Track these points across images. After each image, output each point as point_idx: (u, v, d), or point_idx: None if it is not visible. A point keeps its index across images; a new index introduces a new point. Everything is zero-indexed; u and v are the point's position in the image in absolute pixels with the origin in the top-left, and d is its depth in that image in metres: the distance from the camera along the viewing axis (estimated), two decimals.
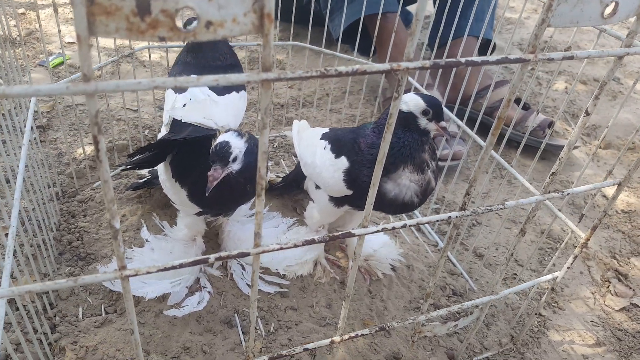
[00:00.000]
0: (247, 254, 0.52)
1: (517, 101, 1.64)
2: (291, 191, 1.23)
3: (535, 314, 0.93)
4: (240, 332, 0.92)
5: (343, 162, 0.89)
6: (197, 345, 0.87)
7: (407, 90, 1.54)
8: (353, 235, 0.56)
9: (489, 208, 0.63)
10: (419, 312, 1.02)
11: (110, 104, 1.52)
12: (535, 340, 0.99)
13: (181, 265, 0.50)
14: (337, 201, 0.97)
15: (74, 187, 1.18)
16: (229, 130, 0.79)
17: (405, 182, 0.84)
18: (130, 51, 1.15)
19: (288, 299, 1.00)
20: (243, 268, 1.03)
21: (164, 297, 0.94)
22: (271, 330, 0.93)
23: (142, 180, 1.13)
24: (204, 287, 0.97)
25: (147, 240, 1.03)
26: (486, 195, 1.42)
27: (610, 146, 1.82)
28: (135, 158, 0.86)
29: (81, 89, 0.34)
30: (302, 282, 1.03)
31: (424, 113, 0.84)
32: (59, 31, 1.02)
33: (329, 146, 0.95)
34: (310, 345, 0.67)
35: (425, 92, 1.33)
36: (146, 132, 1.39)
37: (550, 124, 1.62)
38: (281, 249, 0.54)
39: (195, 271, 0.99)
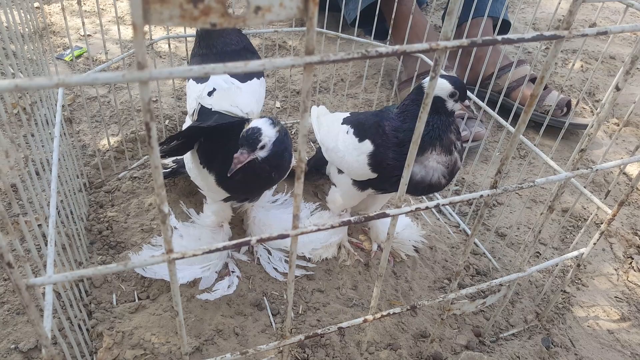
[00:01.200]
0: (287, 236, 0.53)
1: (534, 80, 1.63)
2: (312, 177, 1.24)
3: (561, 291, 0.94)
4: (270, 314, 0.94)
5: (367, 146, 0.90)
6: (230, 328, 0.90)
7: (425, 72, 1.53)
8: (388, 215, 0.57)
9: (519, 185, 0.64)
10: (443, 291, 1.03)
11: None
12: (560, 316, 1.00)
13: (225, 248, 0.51)
14: (361, 185, 0.98)
15: (100, 178, 1.20)
16: (265, 117, 0.81)
17: (433, 164, 0.84)
18: (150, 42, 1.16)
19: (314, 281, 1.01)
20: (269, 253, 1.05)
21: (194, 282, 0.96)
22: (300, 312, 0.95)
23: (167, 170, 1.15)
24: (233, 272, 0.99)
25: (175, 228, 1.05)
26: (506, 176, 1.42)
27: (628, 124, 1.80)
28: (164, 147, 0.88)
29: (136, 77, 0.35)
30: (327, 265, 1.05)
31: (451, 95, 0.84)
32: (83, 23, 1.03)
33: (351, 130, 0.96)
34: (344, 324, 0.69)
35: (445, 73, 1.33)
36: (167, 122, 1.41)
37: (569, 103, 1.60)
38: (318, 230, 0.55)
39: (223, 256, 1.01)
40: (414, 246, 1.11)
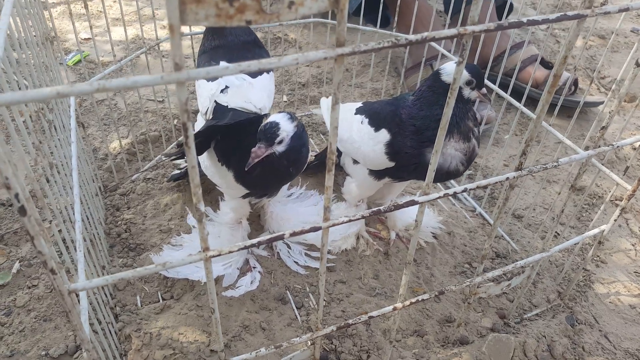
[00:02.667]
0: (319, 228, 0.54)
1: (543, 63, 1.62)
2: (324, 168, 1.24)
3: (582, 269, 0.94)
4: (295, 308, 0.94)
5: (384, 135, 0.90)
6: (256, 323, 0.90)
7: (432, 58, 1.53)
8: (416, 202, 0.57)
9: (544, 166, 0.64)
10: (464, 276, 1.04)
11: (135, 96, 1.54)
12: (582, 294, 1.00)
13: (260, 243, 0.51)
14: (378, 174, 0.98)
15: (113, 181, 1.20)
16: (283, 111, 0.81)
17: (451, 152, 0.84)
18: (157, 42, 1.16)
19: (335, 273, 1.02)
20: (289, 247, 1.05)
21: (217, 280, 0.96)
22: (324, 304, 0.95)
23: (181, 171, 1.15)
24: (254, 267, 1.00)
25: (194, 227, 1.05)
26: (513, 155, 1.42)
27: (634, 99, 1.79)
28: (183, 147, 0.88)
29: (175, 78, 0.35)
30: (347, 256, 1.05)
31: (468, 83, 0.84)
32: (91, 27, 1.03)
33: (366, 120, 0.96)
34: (374, 313, 0.69)
35: (451, 56, 1.32)
36: (175, 121, 1.41)
37: (576, 82, 1.60)
38: (350, 220, 0.55)
39: (244, 253, 1.01)
40: (432, 233, 1.11)
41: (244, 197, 0.94)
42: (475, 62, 1.40)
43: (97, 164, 1.26)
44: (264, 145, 0.79)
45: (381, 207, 0.56)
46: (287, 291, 0.97)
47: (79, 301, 0.62)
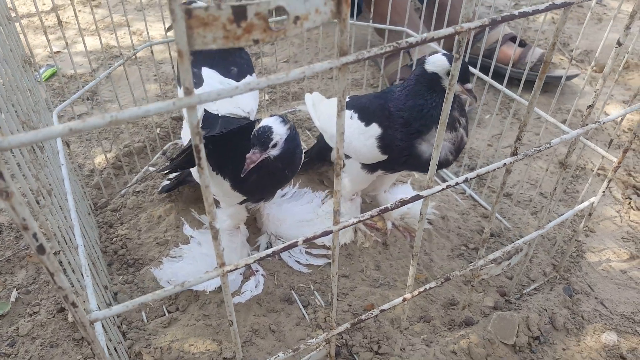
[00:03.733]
0: (330, 232, 0.54)
1: (514, 40, 1.65)
2: (314, 165, 1.25)
3: (575, 241, 0.97)
4: (301, 307, 0.95)
5: (375, 129, 0.91)
6: (265, 326, 0.91)
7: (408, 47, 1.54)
8: (422, 197, 0.58)
9: (537, 149, 0.66)
10: (462, 258, 1.06)
11: (113, 107, 1.51)
12: (575, 264, 1.04)
13: (274, 253, 0.52)
14: (370, 167, 0.99)
15: (103, 198, 1.18)
16: (274, 115, 0.80)
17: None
18: (134, 52, 1.14)
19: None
20: None
21: (220, 288, 0.96)
22: (330, 300, 0.97)
23: (172, 181, 1.14)
24: (257, 271, 1.00)
25: (191, 236, 1.05)
26: (500, 137, 1.45)
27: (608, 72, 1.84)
28: (176, 160, 0.87)
29: (187, 102, 0.35)
30: (347, 250, 1.06)
31: (449, 74, 0.85)
32: (66, 42, 1.00)
33: (355, 115, 0.96)
34: (385, 307, 0.71)
35: (444, 51, 1.33)
36: (158, 130, 1.39)
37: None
38: (359, 222, 0.56)
39: (244, 257, 1.01)
40: (427, 219, 1.13)
41: (241, 203, 0.94)
42: (441, 43, 1.42)
43: (84, 181, 1.24)
44: (258, 150, 0.79)
45: (388, 205, 0.57)
46: (292, 291, 0.98)
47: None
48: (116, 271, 1.01)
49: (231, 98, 0.92)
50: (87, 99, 1.57)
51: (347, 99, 1.05)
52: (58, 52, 1.84)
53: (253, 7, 0.34)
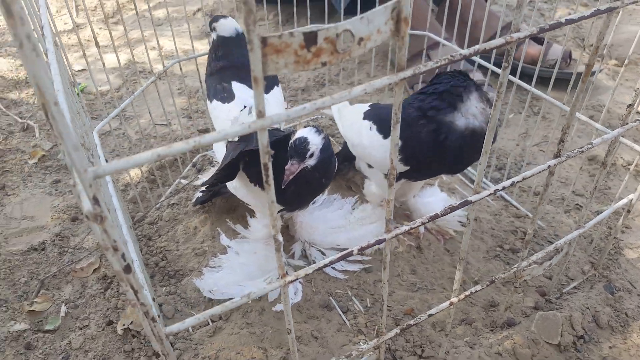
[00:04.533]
0: (383, 240, 0.56)
1: (536, 39, 1.65)
2: (342, 171, 1.26)
3: (614, 238, 0.97)
4: (341, 313, 0.97)
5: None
6: (307, 333, 0.92)
7: (429, 47, 1.54)
8: (470, 202, 0.59)
9: (580, 150, 0.66)
10: (499, 259, 1.06)
11: (141, 122, 1.54)
12: (614, 261, 1.03)
13: (331, 262, 0.53)
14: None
15: (139, 211, 1.21)
16: (309, 126, 0.82)
17: (472, 111, 0.86)
18: (164, 68, 1.17)
19: (373, 273, 1.04)
20: (323, 254, 1.07)
21: (260, 297, 0.98)
22: (368, 305, 0.98)
23: (205, 193, 1.16)
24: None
25: (228, 246, 1.07)
26: (526, 135, 1.45)
27: (628, 63, 1.82)
28: (216, 175, 0.89)
29: (260, 125, 0.37)
30: (381, 255, 1.07)
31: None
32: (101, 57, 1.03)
33: (374, 127, 0.97)
34: (433, 311, 0.72)
35: (450, 45, 1.34)
36: None
37: (570, 54, 1.63)
38: (411, 229, 0.57)
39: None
40: (459, 221, 1.14)
41: (279, 212, 0.96)
42: (465, 46, 1.43)
43: (121, 196, 1.27)
44: (296, 161, 0.81)
45: (438, 212, 0.58)
46: (330, 297, 0.99)
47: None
48: (159, 283, 1.04)
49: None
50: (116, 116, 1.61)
51: (368, 108, 1.06)
52: (82, 70, 1.89)
53: (323, 32, 0.35)
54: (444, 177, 1.28)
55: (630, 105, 0.70)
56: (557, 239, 1.11)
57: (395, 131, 0.47)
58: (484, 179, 1.29)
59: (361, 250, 0.54)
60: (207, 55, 1.31)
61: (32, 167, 1.37)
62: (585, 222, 0.83)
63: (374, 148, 0.97)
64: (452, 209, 0.58)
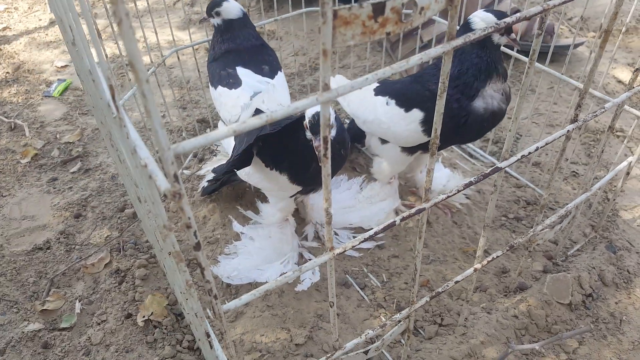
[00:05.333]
0: (423, 209, 0.57)
1: (516, 12, 1.68)
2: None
3: (613, 200, 1.01)
4: (359, 289, 0.99)
5: (417, 114, 0.93)
6: (328, 311, 0.94)
7: (413, 29, 1.56)
8: (500, 169, 0.61)
9: (594, 114, 0.69)
10: (505, 228, 1.10)
11: (135, 115, 1.51)
12: (612, 223, 1.08)
13: (376, 233, 0.55)
14: (410, 150, 1.02)
15: None
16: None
17: (490, 93, 0.88)
18: (163, 58, 1.15)
19: (386, 249, 1.06)
20: (336, 234, 1.09)
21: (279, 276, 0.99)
22: (385, 280, 1.00)
23: (211, 182, 1.15)
24: (309, 259, 1.03)
25: (242, 233, 1.07)
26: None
27: (605, 34, 1.88)
28: (232, 161, 0.89)
29: (326, 97, 0.38)
30: (392, 232, 1.10)
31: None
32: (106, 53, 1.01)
33: (392, 102, 0.99)
34: (459, 278, 0.74)
35: (444, 21, 1.36)
36: (183, 134, 1.40)
37: (553, 28, 1.67)
38: (447, 197, 0.59)
39: (296, 247, 1.04)
40: (464, 194, 1.17)
41: (292, 196, 0.97)
42: (460, 22, 1.45)
43: (122, 191, 1.25)
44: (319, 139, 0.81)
45: (472, 179, 0.60)
46: (347, 275, 1.01)
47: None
48: None
49: (273, 96, 0.94)
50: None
51: (377, 84, 1.07)
52: (65, 66, 1.83)
53: (390, 2, 0.36)
54: (444, 153, 1.31)
55: (637, 69, 0.73)
56: (558, 205, 1.15)
57: (441, 100, 0.48)
58: (484, 153, 1.32)
59: (403, 220, 0.56)
60: (203, 44, 1.29)
61: (26, 167, 1.33)
62: (590, 186, 0.87)
63: (393, 122, 0.97)
64: (485, 175, 0.60)
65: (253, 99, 0.92)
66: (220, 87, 1.04)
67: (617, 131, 1.37)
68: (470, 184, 0.59)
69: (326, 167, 0.45)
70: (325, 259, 0.52)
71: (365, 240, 0.54)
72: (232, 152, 0.94)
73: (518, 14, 0.45)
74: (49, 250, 1.10)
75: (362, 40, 0.37)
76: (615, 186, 1.20)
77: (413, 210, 0.56)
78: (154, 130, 0.32)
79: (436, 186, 1.18)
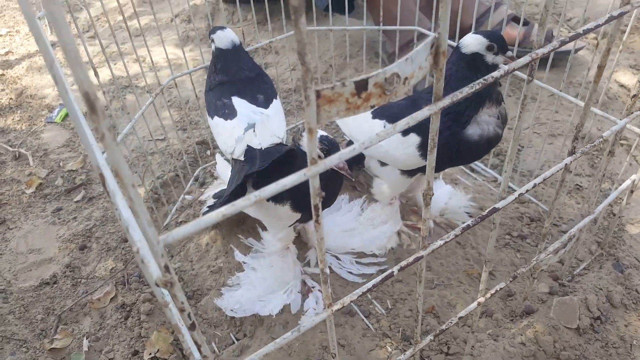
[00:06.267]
0: (421, 257, 0.57)
1: (516, 20, 1.67)
2: None
3: (619, 217, 1.00)
4: (364, 318, 0.98)
5: (414, 138, 0.93)
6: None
7: (409, 42, 1.55)
8: (497, 209, 0.61)
9: (592, 145, 0.68)
10: (509, 247, 1.09)
11: (136, 139, 1.52)
12: (618, 239, 1.07)
13: (374, 286, 0.54)
14: (410, 172, 1.01)
15: None
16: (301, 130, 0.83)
17: (485, 119, 0.87)
18: (161, 87, 1.15)
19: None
20: (338, 259, 1.08)
21: (283, 309, 0.99)
22: (389, 307, 0.99)
23: (211, 208, 1.15)
24: (313, 287, 1.03)
25: (244, 262, 1.07)
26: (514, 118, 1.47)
27: (606, 35, 1.86)
28: (224, 202, 0.90)
29: (314, 172, 0.37)
30: (394, 254, 1.09)
31: (489, 48, 0.85)
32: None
33: (389, 126, 0.98)
34: (462, 313, 0.73)
35: (430, 33, 1.35)
36: (184, 157, 1.40)
37: (552, 33, 1.65)
38: (445, 243, 0.58)
39: (298, 275, 1.04)
40: (466, 212, 1.16)
41: (299, 221, 0.96)
42: (457, 32, 1.44)
43: None
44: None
45: (470, 222, 0.59)
46: (351, 302, 1.00)
47: None
48: None
49: (267, 128, 0.94)
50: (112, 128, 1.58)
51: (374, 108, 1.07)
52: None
53: (372, 79, 0.36)
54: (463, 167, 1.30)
55: (634, 95, 0.72)
56: (562, 220, 1.14)
57: (432, 155, 0.48)
58: (486, 167, 1.31)
59: (401, 270, 0.55)
60: (200, 70, 1.29)
61: (31, 197, 1.34)
62: (594, 208, 0.85)
63: (391, 147, 0.97)
64: (482, 217, 0.59)
65: (245, 134, 0.92)
66: (216, 118, 1.04)
67: (621, 139, 1.36)
68: (467, 227, 0.59)
69: (319, 231, 0.44)
70: (324, 316, 0.52)
71: (366, 292, 0.54)
72: (227, 184, 0.94)
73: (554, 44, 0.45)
74: (55, 285, 1.10)
75: (347, 115, 0.37)
76: (620, 199, 1.18)
77: (411, 259, 0.56)
78: (143, 229, 0.32)
79: (437, 204, 1.17)
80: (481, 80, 0.44)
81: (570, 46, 1.63)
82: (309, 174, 0.37)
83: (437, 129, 0.45)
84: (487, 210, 0.60)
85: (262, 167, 0.85)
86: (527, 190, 0.62)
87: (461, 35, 1.48)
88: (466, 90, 0.43)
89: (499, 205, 0.61)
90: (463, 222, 1.14)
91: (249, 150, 0.92)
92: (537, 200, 1.19)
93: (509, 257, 1.06)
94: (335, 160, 0.38)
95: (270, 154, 0.91)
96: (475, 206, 1.17)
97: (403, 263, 0.55)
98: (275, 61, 1.88)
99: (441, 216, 1.17)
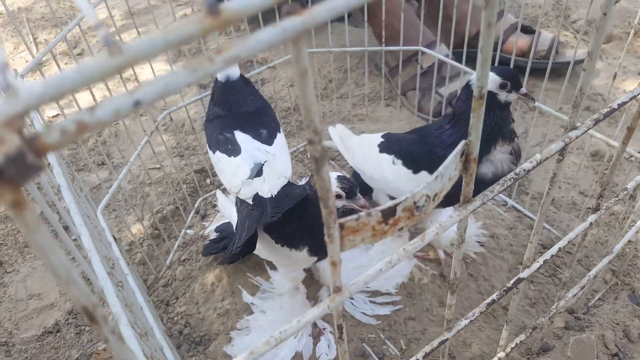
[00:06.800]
0: (445, 340, 0.54)
1: (523, 29, 1.63)
2: None
3: (635, 248, 0.98)
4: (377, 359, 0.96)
5: (425, 176, 0.90)
6: None
7: (413, 55, 1.51)
8: (522, 279, 0.58)
9: (616, 199, 0.65)
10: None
11: (132, 169, 1.48)
12: (633, 267, 1.05)
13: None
14: None
15: (150, 274, 1.17)
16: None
17: (499, 157, 0.85)
18: (156, 124, 1.11)
19: (401, 310, 1.03)
20: (350, 297, 1.06)
21: (295, 355, 0.96)
22: (403, 347, 0.97)
23: (217, 244, 1.12)
24: (324, 329, 1.00)
25: (252, 304, 1.04)
26: (526, 135, 1.44)
27: (612, 38, 1.82)
28: (234, 254, 0.87)
29: (339, 302, 0.34)
30: (406, 290, 1.06)
31: (502, 87, 0.82)
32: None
33: (399, 161, 0.95)
34: None
35: (435, 55, 1.31)
36: (183, 188, 1.37)
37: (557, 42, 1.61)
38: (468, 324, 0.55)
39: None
40: (477, 241, 1.13)
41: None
42: (451, 41, 1.41)
43: (128, 258, 1.22)
44: (359, 197, 0.80)
45: (494, 296, 0.56)
46: (364, 344, 0.98)
47: None
48: (187, 353, 1.01)
49: (274, 169, 0.91)
50: (103, 164, 1.54)
51: (382, 139, 1.04)
52: (57, 115, 1.80)
53: (401, 205, 0.33)
54: None
55: (629, 128, 0.69)
56: (574, 247, 1.11)
57: (459, 250, 0.45)
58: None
59: (426, 356, 0.53)
60: (195, 103, 1.26)
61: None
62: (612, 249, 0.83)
63: (401, 182, 0.94)
64: (508, 289, 0.56)
65: (254, 180, 0.89)
66: (218, 153, 1.00)
67: (629, 157, 1.33)
68: (492, 302, 0.56)
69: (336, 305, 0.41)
70: None
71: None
72: (235, 232, 0.91)
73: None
74: (59, 334, 1.07)
75: (372, 242, 0.34)
76: (634, 220, 1.16)
77: (435, 343, 0.53)
78: None
79: (449, 234, 1.14)
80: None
81: (570, 56, 1.60)
82: (333, 304, 0.34)
83: (464, 225, 0.42)
84: (511, 281, 0.57)
85: (274, 217, 0.82)
86: (552, 256, 0.59)
87: (469, 43, 1.44)
88: (497, 189, 0.40)
89: (523, 275, 0.58)
90: (475, 253, 1.12)
91: (259, 198, 0.89)
92: (549, 225, 1.16)
93: (522, 289, 1.04)
94: None
95: (281, 201, 0.87)
96: (485, 234, 1.15)
97: (427, 349, 0.53)
98: (272, 76, 1.84)
99: (452, 246, 1.14)
